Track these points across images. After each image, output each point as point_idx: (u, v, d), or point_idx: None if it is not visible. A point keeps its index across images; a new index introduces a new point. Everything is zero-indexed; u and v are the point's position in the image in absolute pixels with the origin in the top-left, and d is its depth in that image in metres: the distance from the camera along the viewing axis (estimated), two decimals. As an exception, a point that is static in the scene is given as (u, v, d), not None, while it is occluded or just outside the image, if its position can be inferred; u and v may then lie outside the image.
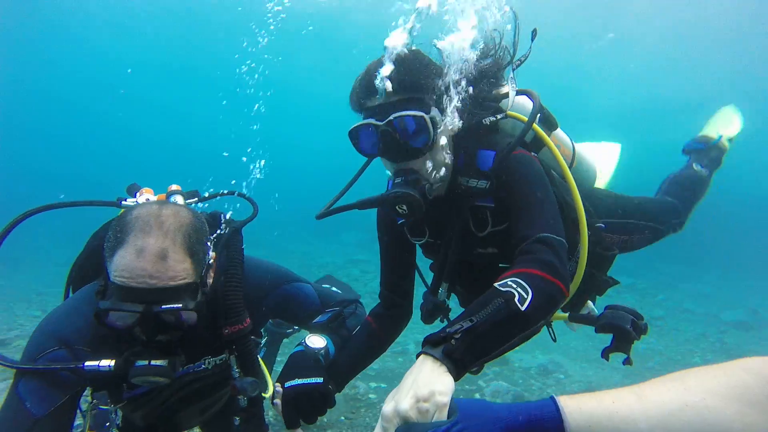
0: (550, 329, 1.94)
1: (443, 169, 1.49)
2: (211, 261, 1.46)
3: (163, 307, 1.24)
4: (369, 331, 1.74)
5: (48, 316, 1.50)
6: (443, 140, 1.47)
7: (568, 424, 0.66)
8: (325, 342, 1.56)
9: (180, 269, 1.27)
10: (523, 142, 1.63)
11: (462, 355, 1.00)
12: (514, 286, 1.13)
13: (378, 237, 1.84)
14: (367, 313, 1.87)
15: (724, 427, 0.59)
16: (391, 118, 1.36)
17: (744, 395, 0.60)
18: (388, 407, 0.89)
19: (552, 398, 0.71)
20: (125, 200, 1.66)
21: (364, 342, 1.72)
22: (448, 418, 0.80)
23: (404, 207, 1.41)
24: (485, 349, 1.06)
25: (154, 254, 1.23)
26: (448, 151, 1.51)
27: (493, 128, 1.58)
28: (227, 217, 1.73)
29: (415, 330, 6.66)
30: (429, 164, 1.45)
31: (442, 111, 1.46)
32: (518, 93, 1.68)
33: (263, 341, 3.04)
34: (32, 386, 1.34)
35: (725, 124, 2.74)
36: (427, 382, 0.90)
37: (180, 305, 1.26)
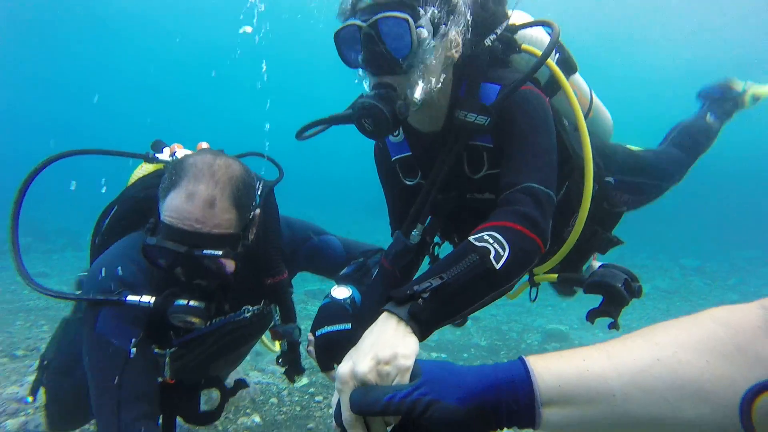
0: (535, 289, 1.87)
1: (425, 92, 1.32)
2: (255, 216, 1.49)
3: (204, 251, 1.30)
4: (385, 272, 1.71)
5: (100, 262, 1.51)
6: (433, 61, 1.31)
7: (537, 384, 0.64)
8: (350, 291, 1.60)
9: (224, 219, 1.33)
10: (536, 81, 1.49)
11: (429, 317, 0.93)
12: (491, 241, 1.04)
13: (378, 177, 1.78)
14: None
15: (694, 380, 0.58)
16: (375, 17, 1.24)
17: (715, 347, 0.59)
18: (344, 367, 0.79)
19: (521, 359, 0.69)
20: (161, 152, 1.70)
21: (382, 284, 1.70)
22: (410, 381, 0.74)
23: (369, 122, 1.28)
24: (454, 309, 0.99)
25: (203, 200, 1.29)
26: (440, 76, 1.36)
27: (502, 61, 1.45)
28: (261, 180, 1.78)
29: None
30: (412, 83, 1.30)
31: (438, 28, 1.30)
32: (536, 24, 1.53)
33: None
34: (110, 325, 1.40)
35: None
36: (389, 344, 0.82)
37: (219, 252, 1.31)
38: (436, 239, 1.79)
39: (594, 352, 0.66)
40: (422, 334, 0.92)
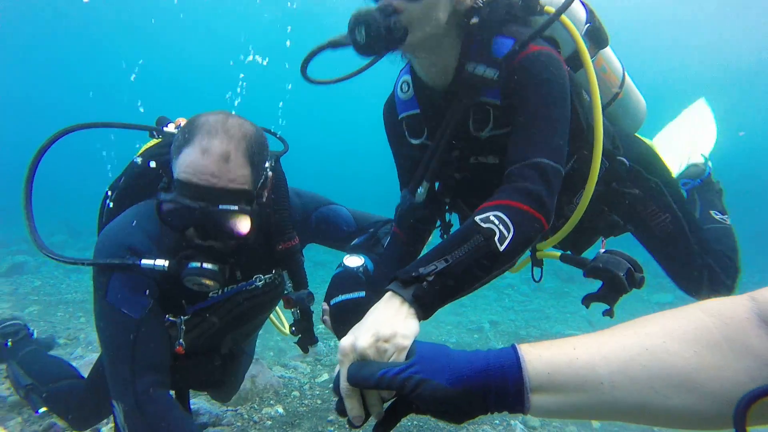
0: (539, 269, 1.79)
1: (429, 27, 1.29)
2: (268, 178, 1.49)
3: (220, 206, 1.28)
4: (398, 240, 1.69)
5: (107, 231, 1.50)
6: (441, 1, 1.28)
7: (527, 371, 0.66)
8: (363, 260, 1.58)
9: (239, 174, 1.32)
10: (557, 49, 1.44)
11: (432, 300, 0.96)
12: (496, 222, 1.03)
13: (388, 142, 1.75)
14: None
15: (681, 369, 0.59)
16: None
17: (703, 337, 0.60)
18: (346, 341, 0.84)
19: (513, 346, 0.70)
20: (166, 126, 1.70)
21: (395, 252, 1.68)
22: (406, 360, 0.77)
23: (362, 31, 1.23)
24: (456, 290, 1.01)
25: (218, 155, 1.28)
26: (445, 16, 1.31)
27: (521, 20, 1.40)
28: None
29: (489, 310, 6.88)
30: (416, 10, 1.26)
31: None
32: None
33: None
34: (121, 294, 1.40)
35: (700, 134, 2.30)
36: (390, 323, 0.86)
37: (235, 207, 1.30)
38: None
39: (585, 340, 0.68)
40: (424, 315, 0.95)
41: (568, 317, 6.71)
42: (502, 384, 0.67)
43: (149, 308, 1.42)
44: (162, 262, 1.38)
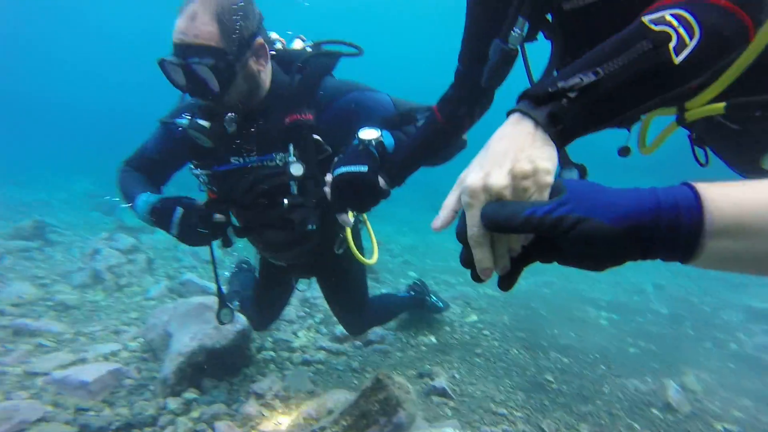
0: (701, 149, 1.33)
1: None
2: (256, 45, 1.65)
3: (188, 59, 1.52)
4: (431, 120, 1.49)
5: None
6: None
7: (710, 213, 0.53)
8: (379, 133, 1.50)
9: (204, 30, 1.51)
10: None
11: (573, 122, 0.71)
12: (675, 23, 0.72)
13: None
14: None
15: None
16: None
17: None
18: (475, 179, 0.65)
19: (685, 182, 0.58)
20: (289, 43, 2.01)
21: (423, 132, 1.52)
22: (550, 199, 0.63)
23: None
24: (606, 114, 0.74)
25: (187, 15, 1.52)
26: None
27: None
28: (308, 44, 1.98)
29: (654, 273, 6.27)
30: None
31: None
32: None
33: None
34: (155, 134, 1.98)
35: None
36: (527, 154, 0.66)
37: (198, 59, 1.51)
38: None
39: None
40: (563, 141, 0.72)
41: (760, 288, 5.75)
42: (674, 225, 0.55)
43: (167, 150, 1.97)
44: (204, 123, 1.68)
